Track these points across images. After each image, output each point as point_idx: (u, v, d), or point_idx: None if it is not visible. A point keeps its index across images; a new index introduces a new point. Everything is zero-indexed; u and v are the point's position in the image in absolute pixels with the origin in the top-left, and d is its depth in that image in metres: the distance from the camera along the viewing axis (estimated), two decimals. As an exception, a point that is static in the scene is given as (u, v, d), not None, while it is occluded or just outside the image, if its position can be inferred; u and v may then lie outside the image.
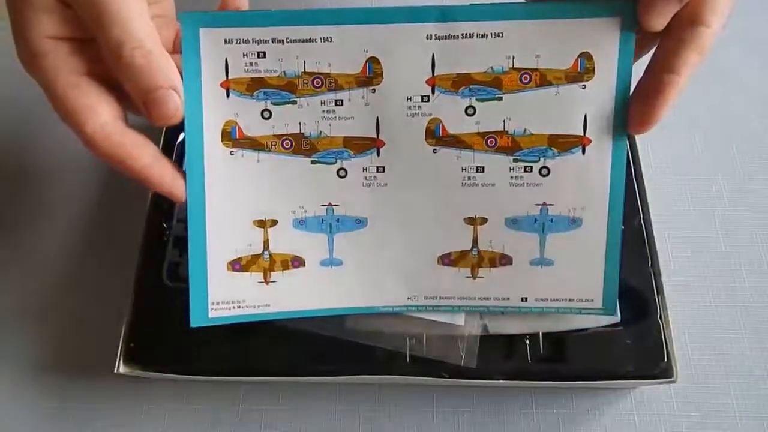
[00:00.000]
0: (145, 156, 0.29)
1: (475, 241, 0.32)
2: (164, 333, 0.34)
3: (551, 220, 0.31)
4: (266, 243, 0.32)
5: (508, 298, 0.32)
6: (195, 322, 0.31)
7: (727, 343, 0.37)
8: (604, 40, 0.29)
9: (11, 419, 0.37)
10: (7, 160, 0.45)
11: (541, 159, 0.31)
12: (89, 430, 0.37)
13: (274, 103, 0.31)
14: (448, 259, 0.32)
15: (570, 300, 0.32)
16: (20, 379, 0.38)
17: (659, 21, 0.28)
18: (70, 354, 0.39)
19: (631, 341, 0.33)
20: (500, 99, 0.30)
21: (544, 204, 0.31)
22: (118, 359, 0.34)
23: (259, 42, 0.30)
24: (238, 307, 0.32)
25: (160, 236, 0.37)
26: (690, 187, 0.41)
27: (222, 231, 0.31)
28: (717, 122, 0.43)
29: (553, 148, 0.31)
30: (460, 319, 0.34)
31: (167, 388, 0.37)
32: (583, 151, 0.30)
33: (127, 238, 0.38)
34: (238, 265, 0.32)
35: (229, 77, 0.30)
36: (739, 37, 0.46)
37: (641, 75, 0.29)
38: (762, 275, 0.39)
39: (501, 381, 0.33)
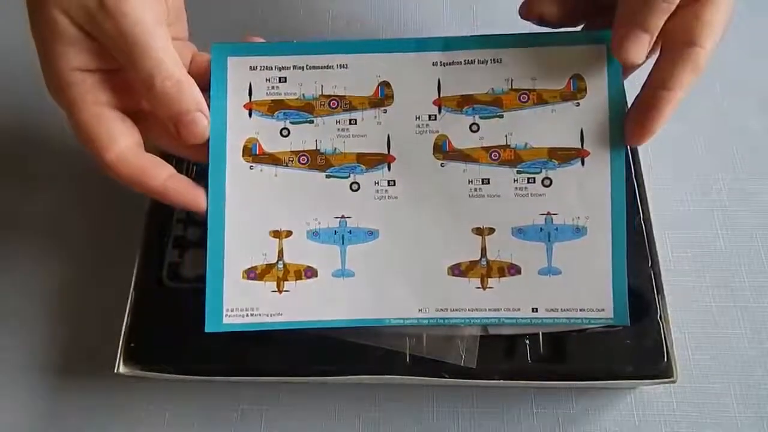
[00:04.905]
0: (162, 174, 0.31)
1: (483, 251, 0.33)
2: (164, 333, 0.34)
3: (556, 229, 0.32)
4: (281, 253, 0.33)
5: (519, 309, 0.32)
6: (210, 327, 0.32)
7: (727, 343, 0.37)
8: (592, 64, 0.32)
9: (11, 419, 0.37)
10: (8, 161, 0.45)
11: (543, 170, 0.32)
12: (89, 430, 0.37)
13: (292, 123, 0.33)
14: (458, 270, 0.33)
15: (581, 310, 0.32)
16: (20, 379, 0.38)
17: (637, 56, 0.29)
18: (70, 354, 0.39)
19: (631, 341, 0.33)
20: (501, 116, 0.33)
21: (549, 213, 0.32)
22: (118, 359, 0.34)
23: (281, 69, 0.33)
24: (251, 315, 0.33)
25: (160, 236, 0.37)
26: (690, 187, 0.41)
27: (239, 241, 0.33)
28: (717, 122, 0.43)
29: (553, 160, 0.32)
30: (460, 319, 0.34)
31: (167, 388, 0.37)
32: (583, 163, 0.32)
33: (127, 238, 0.38)
34: (253, 274, 0.33)
35: (252, 99, 0.33)
36: (739, 37, 0.46)
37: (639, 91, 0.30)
38: (762, 275, 0.39)
39: (501, 381, 0.33)
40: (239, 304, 0.32)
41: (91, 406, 0.37)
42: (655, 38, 0.29)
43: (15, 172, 0.45)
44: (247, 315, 0.32)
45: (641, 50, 0.29)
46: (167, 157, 0.33)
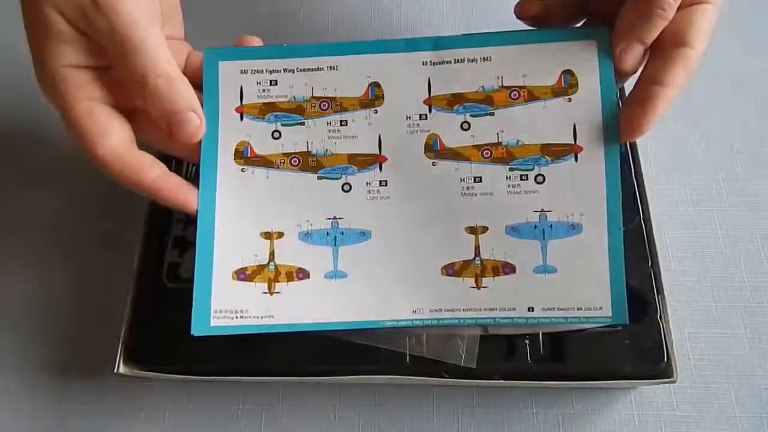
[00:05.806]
0: (153, 172, 0.31)
1: (477, 250, 0.32)
2: (164, 333, 0.34)
3: (550, 226, 0.32)
4: (272, 254, 0.33)
5: (515, 309, 0.32)
6: (196, 330, 0.32)
7: (727, 343, 0.37)
8: (583, 59, 0.32)
9: (11, 419, 0.37)
10: (7, 160, 0.45)
11: (536, 167, 0.32)
12: (89, 430, 0.37)
13: (283, 125, 0.33)
14: (451, 269, 0.32)
15: (578, 309, 0.32)
16: (20, 379, 0.38)
17: (635, 67, 0.31)
18: (70, 354, 0.39)
19: (631, 341, 0.33)
20: (492, 114, 0.33)
21: (542, 210, 0.32)
22: (118, 359, 0.34)
23: (271, 72, 0.33)
24: (241, 317, 0.32)
25: (160, 236, 0.37)
26: (690, 187, 0.41)
27: (229, 241, 0.32)
28: (717, 122, 0.43)
29: (546, 157, 0.32)
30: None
31: (167, 388, 0.37)
32: (576, 158, 0.32)
33: (127, 238, 0.38)
34: (243, 275, 0.32)
35: (244, 103, 0.33)
36: (740, 36, 0.46)
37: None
38: (762, 275, 0.39)
39: (501, 381, 0.33)
40: (228, 305, 0.32)
41: (90, 406, 0.37)
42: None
43: (14, 171, 0.45)
44: (237, 317, 0.32)
45: (639, 62, 0.31)
46: (167, 158, 0.33)
